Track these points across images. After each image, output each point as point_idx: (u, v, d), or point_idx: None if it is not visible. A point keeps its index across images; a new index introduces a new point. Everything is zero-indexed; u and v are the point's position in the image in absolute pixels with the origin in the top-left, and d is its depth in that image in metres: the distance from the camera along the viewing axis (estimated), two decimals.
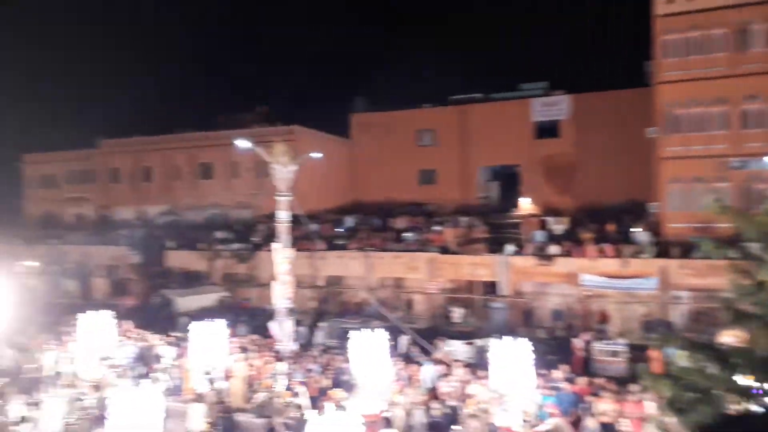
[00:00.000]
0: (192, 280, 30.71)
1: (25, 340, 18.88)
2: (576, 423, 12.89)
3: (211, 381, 14.50)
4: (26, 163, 45.80)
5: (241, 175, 36.95)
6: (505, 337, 13.39)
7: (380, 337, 13.92)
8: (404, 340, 19.35)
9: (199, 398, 13.47)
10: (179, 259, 32.31)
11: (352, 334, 14.11)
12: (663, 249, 23.23)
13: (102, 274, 34.44)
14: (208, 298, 27.08)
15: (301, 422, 11.64)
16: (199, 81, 64.18)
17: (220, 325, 15.41)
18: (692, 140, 24.13)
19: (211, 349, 15.22)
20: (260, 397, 14.07)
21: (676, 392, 7.87)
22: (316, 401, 14.25)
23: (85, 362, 16.01)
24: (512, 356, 12.75)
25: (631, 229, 24.86)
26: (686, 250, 22.41)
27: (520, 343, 12.90)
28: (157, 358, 17.34)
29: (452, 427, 11.87)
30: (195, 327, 15.26)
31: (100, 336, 16.45)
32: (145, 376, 16.11)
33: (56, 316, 22.55)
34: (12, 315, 17.45)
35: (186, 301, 25.81)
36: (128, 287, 32.65)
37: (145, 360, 17.28)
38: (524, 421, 11.98)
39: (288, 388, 14.22)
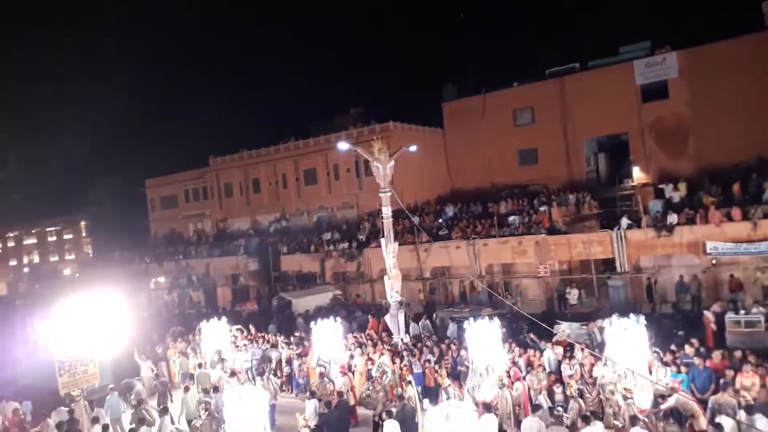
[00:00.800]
0: (306, 282, 32.02)
1: (159, 349, 20.55)
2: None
3: (321, 375, 15.07)
4: (148, 187, 49.86)
5: (342, 177, 37.95)
6: (619, 317, 12.92)
7: (493, 325, 13.77)
8: (514, 326, 18.97)
9: (312, 394, 14.06)
10: (293, 262, 33.75)
11: (465, 323, 14.07)
12: None
13: (224, 283, 36.74)
14: (323, 297, 28.02)
15: (407, 412, 11.76)
16: (295, 90, 66.51)
17: (335, 323, 15.99)
18: None
19: (329, 346, 15.85)
20: (365, 390, 14.43)
21: None
22: (434, 391, 14.41)
23: (208, 366, 17.37)
24: (628, 335, 12.25)
25: (763, 188, 22.67)
26: None
27: (634, 322, 12.39)
28: (270, 359, 18.28)
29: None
30: (316, 326, 15.95)
31: (219, 341, 17.99)
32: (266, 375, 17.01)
33: (186, 326, 24.31)
34: (146, 327, 19.12)
35: (302, 302, 26.88)
36: (249, 293, 34.58)
37: (267, 361, 18.24)
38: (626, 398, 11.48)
39: (401, 379, 14.43)
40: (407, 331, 18.87)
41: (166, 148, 52.40)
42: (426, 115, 38.89)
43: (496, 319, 14.58)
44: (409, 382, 13.51)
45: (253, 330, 22.02)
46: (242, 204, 43.30)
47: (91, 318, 16.20)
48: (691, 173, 27.95)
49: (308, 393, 14.31)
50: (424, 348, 16.83)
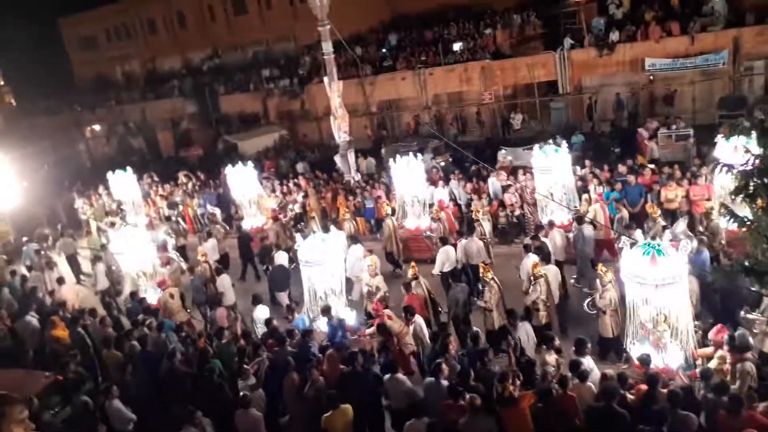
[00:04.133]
0: (250, 123, 31.25)
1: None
2: (642, 215, 13.20)
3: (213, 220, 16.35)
4: (63, 27, 45.39)
5: (274, 6, 35.28)
6: (559, 139, 13.66)
7: (421, 159, 14.66)
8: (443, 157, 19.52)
9: (208, 235, 15.33)
10: (233, 102, 32.59)
11: (397, 159, 14.61)
12: (736, 18, 21.18)
13: (164, 128, 35.38)
14: (269, 137, 27.70)
15: None
16: None
17: (246, 167, 16.63)
18: None
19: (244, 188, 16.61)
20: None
21: (744, 180, 7.70)
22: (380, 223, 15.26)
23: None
24: (556, 159, 13.03)
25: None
26: (763, 16, 20.41)
27: (555, 149, 13.37)
28: (176, 204, 18.99)
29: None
30: (229, 170, 16.79)
31: (127, 192, 18.84)
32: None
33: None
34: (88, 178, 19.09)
35: (248, 144, 26.57)
36: (192, 137, 33.64)
37: (174, 206, 18.83)
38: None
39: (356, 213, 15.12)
40: (358, 170, 19.17)
41: None
42: None
43: (420, 154, 15.29)
44: (313, 217, 15.03)
45: (201, 175, 22.00)
46: (169, 41, 40.18)
47: None
48: None
49: (206, 234, 15.61)
50: (376, 184, 17.25)
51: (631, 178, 14.02)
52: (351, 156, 17.40)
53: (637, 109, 22.81)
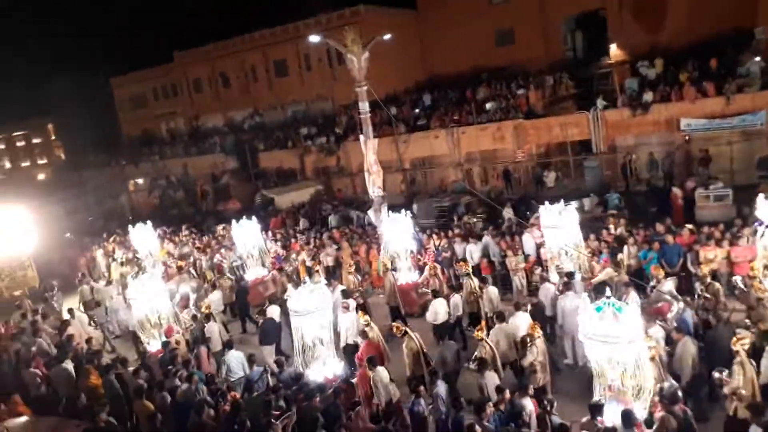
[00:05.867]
0: (287, 178, 32.07)
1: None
2: (682, 274, 12.92)
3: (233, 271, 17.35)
4: (114, 87, 47.95)
5: (314, 68, 36.75)
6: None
7: (404, 215, 15.37)
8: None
9: (214, 285, 15.67)
10: (271, 158, 33.57)
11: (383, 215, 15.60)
12: None
13: (204, 183, 36.49)
14: (305, 192, 28.26)
15: None
16: None
17: (253, 221, 17.37)
18: None
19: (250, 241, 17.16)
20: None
21: None
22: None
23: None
24: (564, 218, 13.18)
25: (738, 60, 22.57)
26: None
27: (568, 208, 13.48)
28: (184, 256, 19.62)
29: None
30: (235, 227, 17.42)
31: (146, 244, 19.60)
32: None
33: (170, 227, 24.78)
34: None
35: (284, 199, 27.14)
36: (230, 192, 34.53)
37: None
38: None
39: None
40: None
41: (128, 43, 49.66)
42: None
43: (406, 211, 15.84)
44: (317, 270, 15.80)
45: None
46: (213, 100, 42.11)
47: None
48: (671, 48, 27.53)
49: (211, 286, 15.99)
50: None
51: (669, 238, 13.75)
52: (384, 210, 17.62)
53: (672, 168, 22.57)
